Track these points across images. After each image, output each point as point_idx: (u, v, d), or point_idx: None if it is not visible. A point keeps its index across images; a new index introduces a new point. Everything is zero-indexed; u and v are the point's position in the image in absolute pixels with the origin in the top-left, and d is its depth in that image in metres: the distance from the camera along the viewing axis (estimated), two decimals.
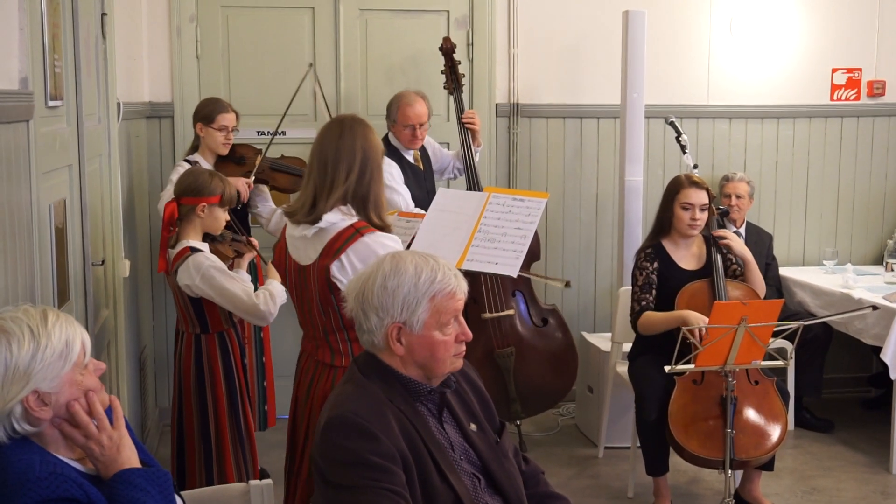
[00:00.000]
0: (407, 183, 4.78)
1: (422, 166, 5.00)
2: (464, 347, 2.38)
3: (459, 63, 5.12)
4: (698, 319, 4.02)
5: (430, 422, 2.36)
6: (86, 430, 1.99)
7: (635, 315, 4.36)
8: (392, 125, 4.88)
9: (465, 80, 5.13)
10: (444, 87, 5.11)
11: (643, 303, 4.34)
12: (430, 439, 2.30)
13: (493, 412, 2.55)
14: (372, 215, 2.91)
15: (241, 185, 4.45)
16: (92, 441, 1.99)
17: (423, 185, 4.88)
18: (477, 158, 5.12)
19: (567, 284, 4.96)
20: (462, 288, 2.35)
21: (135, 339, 4.74)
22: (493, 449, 2.45)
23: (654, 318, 4.28)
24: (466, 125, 5.00)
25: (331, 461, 2.22)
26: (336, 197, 2.88)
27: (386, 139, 4.85)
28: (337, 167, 2.89)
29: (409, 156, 4.93)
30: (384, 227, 2.93)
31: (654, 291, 4.34)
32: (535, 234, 5.00)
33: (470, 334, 2.38)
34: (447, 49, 5.08)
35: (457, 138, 5.14)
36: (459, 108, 5.04)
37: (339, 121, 2.99)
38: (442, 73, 5.10)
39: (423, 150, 5.07)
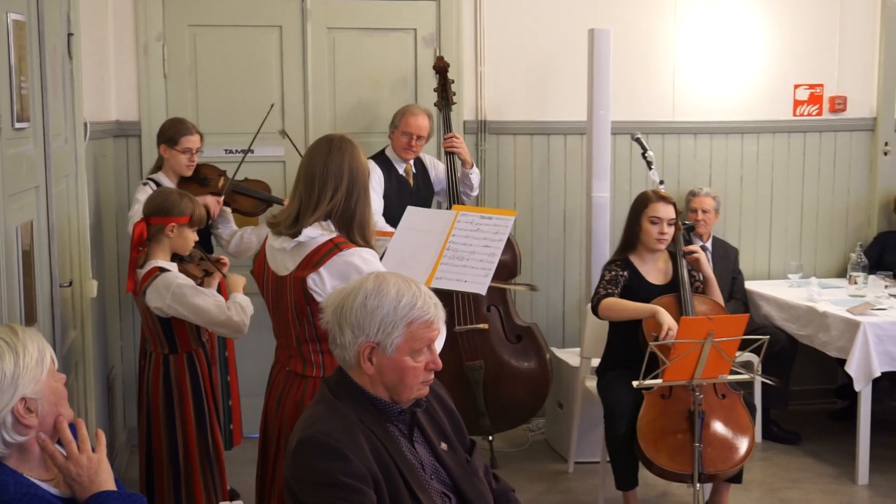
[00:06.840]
0: (389, 193, 4.86)
1: (411, 182, 5.08)
2: (432, 376, 2.40)
3: (453, 82, 5.22)
4: (670, 319, 4.07)
5: (400, 442, 2.37)
6: (68, 448, 2.02)
7: (598, 298, 4.36)
8: (393, 130, 5.05)
9: (455, 100, 5.25)
10: (435, 105, 5.23)
11: (608, 290, 4.37)
12: (400, 459, 2.31)
13: (463, 431, 2.57)
14: (356, 236, 2.93)
15: (210, 202, 4.43)
16: (71, 461, 2.01)
17: (406, 201, 4.88)
18: (475, 181, 5.20)
19: (532, 288, 5.05)
20: (440, 318, 2.37)
21: (103, 359, 4.70)
22: (464, 468, 2.46)
23: (622, 303, 4.30)
24: (446, 150, 5.10)
25: (302, 482, 2.23)
26: (319, 214, 2.90)
27: (382, 150, 5.09)
28: (324, 185, 2.91)
29: (401, 168, 5.04)
30: (367, 248, 2.94)
31: (619, 290, 4.38)
32: (516, 251, 5.08)
33: (440, 364, 2.39)
34: (441, 67, 5.20)
35: (437, 155, 5.21)
36: (447, 127, 5.17)
37: (328, 139, 3.01)
38: (434, 90, 5.23)
39: (422, 169, 5.17)
